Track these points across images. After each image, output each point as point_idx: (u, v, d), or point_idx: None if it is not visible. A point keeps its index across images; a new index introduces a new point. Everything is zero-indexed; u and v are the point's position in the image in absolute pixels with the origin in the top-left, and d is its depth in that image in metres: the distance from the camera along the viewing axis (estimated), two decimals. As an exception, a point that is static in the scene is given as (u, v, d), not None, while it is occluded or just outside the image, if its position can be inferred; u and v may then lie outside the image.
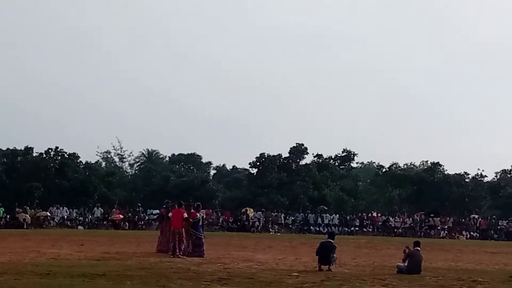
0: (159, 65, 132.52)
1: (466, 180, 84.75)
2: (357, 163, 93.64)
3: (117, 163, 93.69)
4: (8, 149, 79.30)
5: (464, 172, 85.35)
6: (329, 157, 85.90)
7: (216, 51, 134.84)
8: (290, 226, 68.73)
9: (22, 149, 76.15)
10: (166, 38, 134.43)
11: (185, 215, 28.91)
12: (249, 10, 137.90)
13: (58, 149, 75.54)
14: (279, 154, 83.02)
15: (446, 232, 67.99)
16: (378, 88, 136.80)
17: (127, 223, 63.93)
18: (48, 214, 62.73)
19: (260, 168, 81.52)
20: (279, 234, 62.44)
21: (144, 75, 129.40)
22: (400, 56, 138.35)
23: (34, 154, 75.61)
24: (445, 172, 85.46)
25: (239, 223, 66.86)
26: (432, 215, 70.91)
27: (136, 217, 65.81)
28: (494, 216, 74.72)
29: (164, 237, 30.87)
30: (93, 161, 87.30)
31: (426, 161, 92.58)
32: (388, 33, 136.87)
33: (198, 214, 30.03)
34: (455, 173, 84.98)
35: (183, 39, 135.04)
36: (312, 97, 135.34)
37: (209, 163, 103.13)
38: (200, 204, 31.08)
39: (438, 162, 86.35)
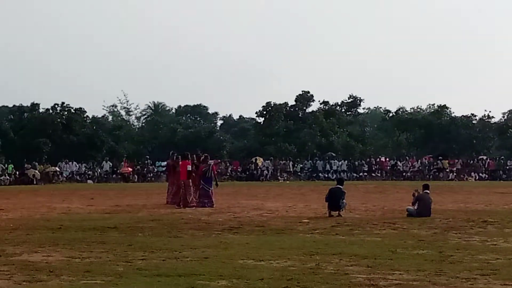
0: (163, 12, 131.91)
1: (474, 121, 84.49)
2: (363, 108, 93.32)
3: (124, 117, 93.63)
4: (14, 106, 79.26)
5: (471, 113, 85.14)
6: (335, 104, 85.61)
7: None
8: (299, 173, 68.86)
9: (29, 105, 76.12)
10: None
11: (189, 167, 29.04)
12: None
13: (65, 105, 75.47)
14: (285, 102, 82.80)
15: (454, 174, 68.08)
16: (383, 31, 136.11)
17: (136, 176, 64.16)
18: (57, 169, 62.98)
19: (267, 117, 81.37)
20: (288, 182, 62.57)
21: (148, 24, 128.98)
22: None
23: (41, 110, 75.55)
24: (452, 115, 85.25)
25: (248, 172, 67.02)
26: (440, 157, 70.94)
27: (145, 169, 66.01)
28: (502, 157, 74.65)
29: (172, 188, 31.01)
30: (99, 115, 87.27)
31: (433, 104, 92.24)
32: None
33: (212, 162, 30.22)
34: (462, 115, 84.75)
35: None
36: (317, 43, 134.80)
37: (216, 113, 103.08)
38: (208, 156, 31.02)
39: (445, 105, 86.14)
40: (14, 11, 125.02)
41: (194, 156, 31.52)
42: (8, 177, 59.44)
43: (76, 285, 10.36)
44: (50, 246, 15.28)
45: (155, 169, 66.22)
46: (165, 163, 60.22)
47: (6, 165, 61.96)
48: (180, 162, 29.98)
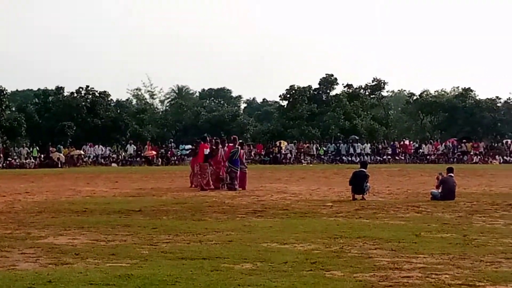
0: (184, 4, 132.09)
1: (498, 104, 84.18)
2: (387, 91, 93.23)
3: (148, 100, 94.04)
4: (39, 89, 79.82)
5: (496, 96, 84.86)
6: (359, 87, 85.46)
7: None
8: (322, 157, 68.78)
9: (54, 89, 76.50)
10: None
11: (206, 151, 29.18)
12: None
13: (89, 88, 75.82)
14: (309, 85, 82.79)
15: (479, 157, 67.74)
16: (406, 13, 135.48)
17: (160, 159, 64.33)
18: (82, 152, 63.29)
19: (291, 100, 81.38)
20: (311, 165, 62.53)
21: (172, 6, 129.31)
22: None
23: (65, 94, 75.99)
24: (477, 97, 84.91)
25: (271, 156, 66.99)
26: (464, 140, 70.64)
27: (169, 153, 66.16)
28: (527, 140, 74.17)
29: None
30: (124, 99, 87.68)
31: (457, 87, 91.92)
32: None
33: (240, 147, 30.32)
34: (487, 98, 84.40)
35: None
36: (341, 26, 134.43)
37: (239, 97, 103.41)
38: (236, 137, 31.23)
39: (469, 88, 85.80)
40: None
41: (215, 139, 31.73)
42: (34, 160, 59.87)
43: (101, 268, 10.45)
44: (75, 229, 15.39)
45: (179, 152, 66.38)
46: (189, 146, 60.72)
47: (31, 149, 62.42)
48: (201, 145, 30.22)
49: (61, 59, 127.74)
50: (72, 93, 75.61)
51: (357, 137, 73.29)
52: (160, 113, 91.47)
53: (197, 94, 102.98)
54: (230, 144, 30.24)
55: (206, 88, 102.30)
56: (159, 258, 11.44)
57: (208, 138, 31.43)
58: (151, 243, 13.12)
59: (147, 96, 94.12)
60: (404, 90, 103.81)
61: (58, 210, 19.93)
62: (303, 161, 66.09)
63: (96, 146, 65.36)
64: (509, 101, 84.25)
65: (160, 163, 63.28)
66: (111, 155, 65.60)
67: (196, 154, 31.21)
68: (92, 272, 10.02)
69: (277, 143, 69.52)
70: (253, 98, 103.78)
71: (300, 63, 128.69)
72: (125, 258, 11.44)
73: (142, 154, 64.78)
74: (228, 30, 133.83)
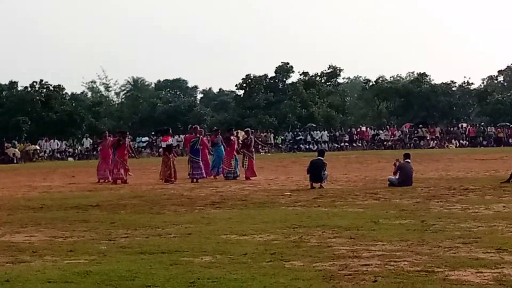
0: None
1: (453, 88, 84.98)
2: (343, 78, 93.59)
3: (103, 93, 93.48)
4: (-8, 84, 78.82)
5: (451, 80, 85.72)
6: (315, 74, 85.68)
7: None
8: (280, 145, 68.88)
9: (7, 83, 75.66)
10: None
11: (164, 143, 29.93)
12: None
13: (43, 82, 75.13)
14: (265, 74, 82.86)
15: (435, 142, 68.33)
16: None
17: (117, 152, 63.88)
18: (37, 147, 62.69)
19: (247, 89, 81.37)
20: (269, 154, 62.57)
21: (124, 3, 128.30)
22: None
23: (19, 88, 75.23)
24: (432, 82, 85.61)
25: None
26: (420, 126, 71.20)
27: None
28: (482, 123, 75.10)
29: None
30: (78, 92, 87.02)
31: (412, 72, 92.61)
32: None
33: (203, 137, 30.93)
34: (442, 82, 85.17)
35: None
36: (295, 13, 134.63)
37: (196, 87, 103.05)
38: (196, 127, 31.88)
39: (424, 73, 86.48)
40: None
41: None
42: (-12, 157, 59.25)
43: (59, 265, 10.32)
44: (32, 226, 15.20)
45: (136, 145, 65.99)
46: (146, 138, 60.39)
47: (-15, 145, 61.71)
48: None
49: (13, 53, 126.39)
50: (26, 87, 74.93)
51: (314, 125, 73.53)
52: (116, 106, 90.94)
53: (153, 85, 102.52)
54: (189, 135, 30.58)
55: (161, 79, 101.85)
56: (118, 253, 11.35)
57: (171, 130, 32.01)
58: (109, 238, 13.01)
59: (102, 88, 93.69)
60: (360, 77, 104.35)
61: (14, 207, 19.69)
62: (261, 150, 66.12)
63: (52, 140, 64.78)
64: (464, 85, 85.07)
65: (117, 156, 62.85)
66: (67, 149, 65.08)
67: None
68: (50, 270, 9.90)
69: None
70: (209, 88, 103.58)
71: (256, 51, 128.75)
72: (83, 254, 11.32)
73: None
74: (182, 19, 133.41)
